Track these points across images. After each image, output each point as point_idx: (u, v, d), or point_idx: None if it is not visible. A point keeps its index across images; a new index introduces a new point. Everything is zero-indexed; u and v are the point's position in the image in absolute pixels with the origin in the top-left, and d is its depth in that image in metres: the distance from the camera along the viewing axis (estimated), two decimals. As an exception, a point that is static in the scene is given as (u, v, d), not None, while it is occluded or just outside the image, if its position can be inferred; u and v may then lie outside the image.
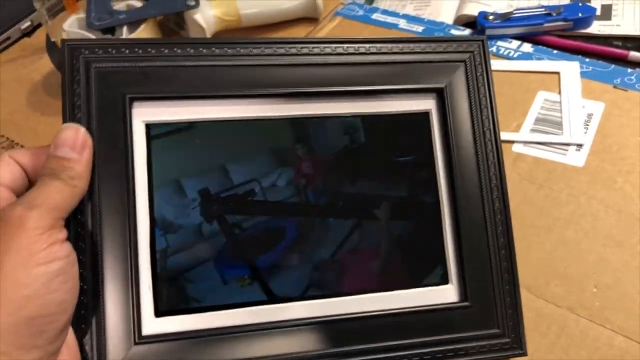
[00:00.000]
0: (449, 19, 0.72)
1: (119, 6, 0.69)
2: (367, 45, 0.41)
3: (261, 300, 0.39)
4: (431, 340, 0.39)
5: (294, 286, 0.39)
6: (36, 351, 0.30)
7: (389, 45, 0.41)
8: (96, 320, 0.35)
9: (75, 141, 0.35)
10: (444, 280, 0.41)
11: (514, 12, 0.68)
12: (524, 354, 0.40)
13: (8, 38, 0.79)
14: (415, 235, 0.41)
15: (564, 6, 0.68)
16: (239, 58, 0.39)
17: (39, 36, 0.80)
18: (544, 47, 0.66)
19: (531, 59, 0.65)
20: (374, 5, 0.76)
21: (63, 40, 0.37)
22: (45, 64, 0.72)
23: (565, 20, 0.67)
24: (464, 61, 0.42)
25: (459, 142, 0.41)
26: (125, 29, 0.68)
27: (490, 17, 0.67)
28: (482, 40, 0.43)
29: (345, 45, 0.41)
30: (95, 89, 0.37)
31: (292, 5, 0.73)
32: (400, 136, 0.42)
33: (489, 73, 0.42)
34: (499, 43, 0.67)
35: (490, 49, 0.65)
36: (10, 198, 0.34)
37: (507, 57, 0.65)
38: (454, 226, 0.41)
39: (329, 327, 0.38)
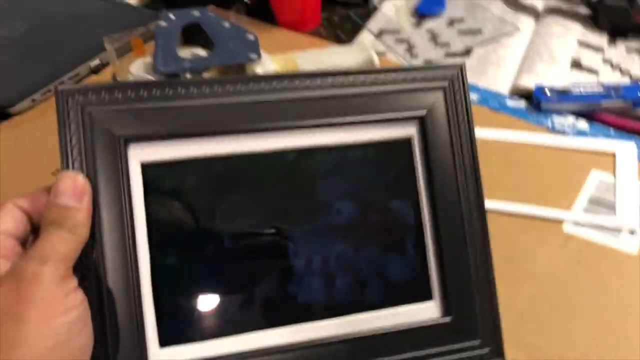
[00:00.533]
0: (504, 89, 0.72)
1: (184, 54, 0.72)
2: (350, 78, 0.42)
3: (258, 326, 0.41)
4: (414, 355, 0.41)
5: (287, 311, 0.41)
6: None
7: (372, 76, 0.43)
8: (104, 356, 0.37)
9: (75, 189, 0.36)
10: (427, 297, 0.43)
11: (572, 88, 0.67)
12: None
13: (77, 74, 0.82)
14: (399, 256, 0.43)
15: (624, 86, 0.67)
16: (227, 95, 0.41)
17: (106, 74, 0.83)
18: (601, 125, 0.66)
19: (587, 136, 0.64)
20: (431, 69, 0.77)
21: (56, 86, 0.39)
22: (109, 103, 0.75)
23: (624, 99, 0.66)
24: (443, 88, 0.43)
25: (440, 166, 0.43)
26: (188, 76, 0.70)
27: (547, 92, 0.67)
28: (461, 67, 0.44)
29: (329, 79, 0.42)
30: (90, 134, 0.38)
31: (349, 63, 0.74)
32: (383, 162, 0.44)
33: (467, 99, 0.44)
34: (555, 117, 0.67)
35: (545, 123, 0.65)
36: (14, 246, 0.35)
37: (562, 132, 0.65)
38: (436, 246, 0.43)
39: (322, 349, 0.40)
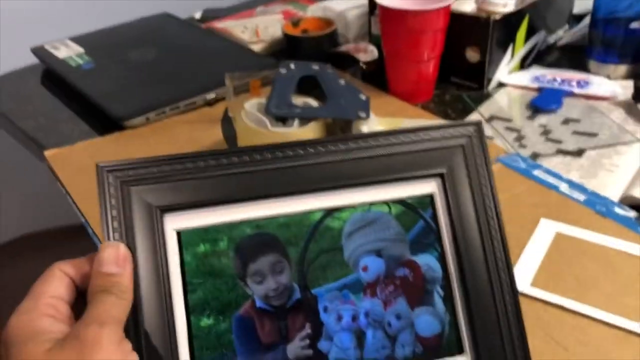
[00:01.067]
0: (614, 196, 0.68)
1: (297, 101, 0.74)
2: (371, 140, 0.45)
3: None
4: None
5: None
6: None
7: (392, 137, 0.45)
8: None
9: (117, 257, 0.38)
10: (459, 350, 0.43)
11: (690, 208, 0.63)
12: None
13: (193, 103, 0.87)
14: (428, 310, 0.44)
15: None
16: (255, 164, 0.43)
17: (219, 108, 0.87)
18: None
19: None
20: (538, 161, 0.74)
21: (97, 163, 0.41)
22: (216, 134, 0.78)
23: None
24: (462, 145, 0.46)
25: (463, 221, 0.45)
26: (297, 121, 0.72)
27: (662, 207, 0.63)
28: (478, 124, 0.46)
29: (352, 142, 0.45)
30: (128, 206, 0.41)
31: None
32: (408, 217, 0.45)
33: (486, 155, 0.46)
34: (666, 235, 0.62)
35: (655, 239, 0.61)
36: (68, 311, 0.37)
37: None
38: (464, 299, 0.44)
39: None
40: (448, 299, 0.44)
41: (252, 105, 0.75)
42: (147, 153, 0.78)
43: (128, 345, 0.36)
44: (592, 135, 0.79)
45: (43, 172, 0.81)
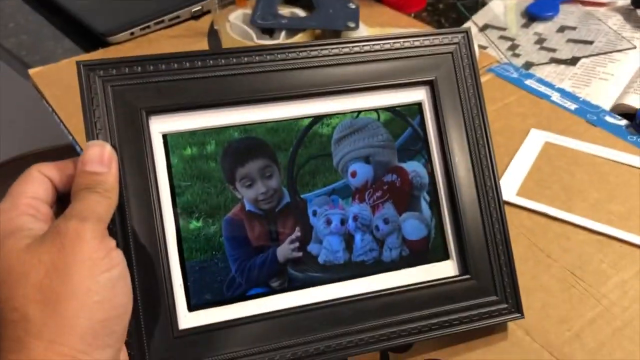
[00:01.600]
0: (606, 104, 0.68)
1: (284, 11, 0.71)
2: (361, 45, 0.44)
3: (281, 288, 0.42)
4: (437, 311, 0.43)
5: (308, 271, 0.43)
6: (109, 350, 0.33)
7: (381, 42, 0.45)
8: (135, 323, 0.38)
9: (103, 156, 0.37)
10: (445, 256, 0.45)
11: (682, 114, 0.62)
12: (522, 317, 0.44)
13: (178, 17, 0.84)
14: (415, 215, 0.45)
15: None
16: (242, 66, 0.42)
17: (205, 21, 0.84)
18: None
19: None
20: (531, 71, 0.73)
21: (77, 62, 0.39)
22: (202, 47, 0.76)
23: None
24: (450, 53, 0.46)
25: (450, 128, 0.45)
26: (284, 33, 0.70)
27: (654, 114, 0.63)
28: (466, 32, 0.46)
29: (341, 46, 0.44)
30: (112, 107, 0.39)
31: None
32: (396, 124, 0.45)
33: (474, 63, 0.46)
34: (656, 143, 0.62)
35: (644, 146, 0.61)
36: (49, 212, 0.36)
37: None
38: (450, 206, 0.45)
39: (346, 307, 0.42)
40: (434, 205, 0.45)
41: (237, 16, 0.73)
42: (132, 69, 0.77)
43: (112, 242, 0.35)
44: (588, 43, 0.78)
45: (28, 91, 0.79)
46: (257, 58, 0.42)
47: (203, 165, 0.42)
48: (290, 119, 0.43)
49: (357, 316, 0.42)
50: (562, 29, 0.81)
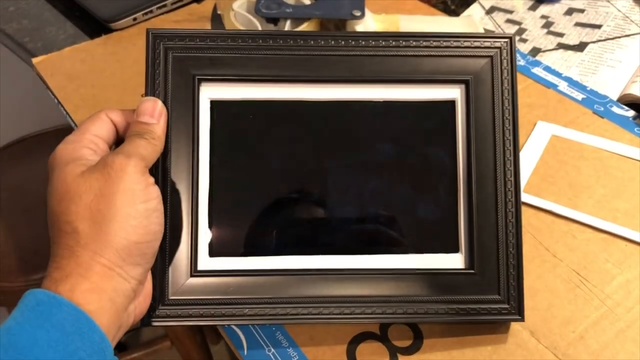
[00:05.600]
0: (613, 94, 0.67)
1: (288, 0, 0.70)
2: (402, 40, 0.47)
3: (292, 248, 0.47)
4: (438, 299, 0.45)
5: (328, 242, 0.47)
6: (139, 268, 0.40)
7: (424, 40, 0.47)
8: (161, 256, 0.43)
9: (154, 110, 0.43)
10: (454, 249, 0.46)
11: (689, 106, 0.62)
12: (521, 320, 0.45)
13: (181, 0, 0.83)
14: (431, 199, 0.47)
15: None
16: (290, 48, 0.46)
17: (207, 5, 0.83)
18: None
19: (694, 161, 0.59)
20: (538, 58, 0.72)
21: (148, 29, 0.46)
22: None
23: None
24: (490, 57, 0.47)
25: (479, 129, 0.46)
26: (289, 22, 0.69)
27: (661, 106, 0.62)
28: (510, 38, 0.47)
29: (384, 40, 0.47)
30: (171, 71, 0.45)
31: (452, 30, 0.71)
32: (427, 116, 0.48)
33: (513, 68, 0.46)
34: (663, 135, 0.62)
35: (651, 140, 0.61)
36: (107, 149, 0.43)
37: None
38: (467, 199, 0.46)
39: (352, 278, 0.45)
40: (452, 195, 0.47)
41: (241, 5, 0.72)
42: (137, 55, 0.76)
43: (151, 178, 0.41)
44: (596, 27, 0.77)
45: (30, 76, 0.79)
46: (302, 42, 0.46)
47: (241, 128, 0.47)
48: (328, 102, 0.47)
49: (364, 289, 0.45)
50: (569, 12, 0.80)
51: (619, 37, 0.74)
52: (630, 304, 0.48)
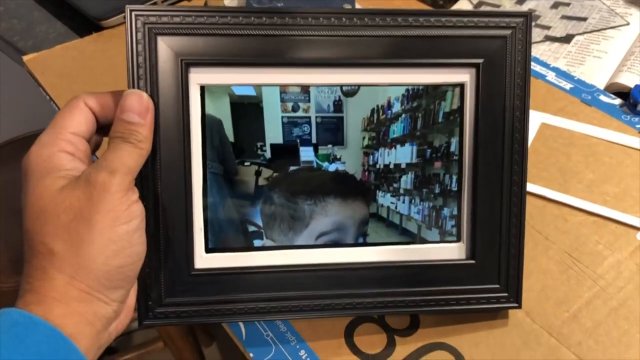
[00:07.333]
0: (600, 83, 0.68)
1: (279, -6, 0.71)
2: (409, 18, 0.42)
3: (291, 245, 0.45)
4: (438, 289, 0.44)
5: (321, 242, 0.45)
6: (121, 290, 0.37)
7: (432, 17, 0.43)
8: (156, 256, 0.41)
9: (140, 106, 0.39)
10: (456, 238, 0.45)
11: (675, 93, 0.63)
12: (519, 307, 0.45)
13: (171, -3, 0.83)
14: (438, 183, 0.45)
15: None
16: (285, 28, 0.42)
17: (199, 2, 0.84)
18: (697, 138, 0.62)
19: (680, 146, 0.61)
20: (526, 50, 0.73)
21: (127, 6, 0.40)
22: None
23: None
24: (505, 37, 0.43)
25: (488, 116, 0.43)
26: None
27: (647, 93, 0.63)
28: (527, 16, 0.43)
29: (389, 17, 0.42)
30: (155, 55, 0.40)
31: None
32: (436, 99, 0.44)
33: (528, 50, 0.43)
34: (649, 122, 0.63)
35: (638, 126, 0.62)
36: (87, 149, 0.39)
37: (654, 138, 0.61)
38: (472, 192, 0.44)
39: (351, 272, 0.44)
40: (456, 184, 0.45)
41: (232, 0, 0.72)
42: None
43: (135, 194, 0.37)
44: (582, 19, 0.78)
45: (22, 76, 0.79)
46: (301, 21, 0.42)
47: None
48: (325, 85, 0.44)
49: (361, 282, 0.44)
50: (556, 5, 0.81)
51: (605, 29, 0.76)
52: (621, 283, 0.49)
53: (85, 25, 0.81)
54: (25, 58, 0.76)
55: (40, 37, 0.82)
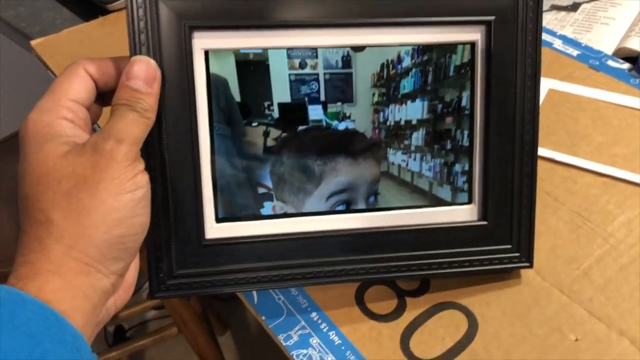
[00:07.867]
0: (608, 49, 0.68)
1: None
2: None
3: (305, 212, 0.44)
4: (450, 252, 0.44)
5: (332, 202, 0.45)
6: (121, 262, 0.35)
7: None
8: (167, 229, 0.41)
9: (147, 74, 0.37)
10: (468, 200, 0.45)
11: (683, 56, 0.63)
12: (530, 267, 0.45)
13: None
14: (449, 139, 0.45)
15: None
16: None
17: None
18: None
19: (690, 108, 0.60)
20: (532, 19, 0.73)
21: None
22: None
23: None
24: None
25: (499, 74, 0.43)
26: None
27: (655, 56, 0.63)
28: None
29: None
30: (156, 19, 0.39)
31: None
32: (446, 55, 0.44)
33: (540, 6, 0.42)
34: (658, 85, 0.63)
35: (646, 89, 0.62)
36: (87, 117, 0.37)
37: (663, 101, 0.61)
38: (483, 154, 0.44)
39: (363, 238, 0.44)
40: (469, 138, 0.44)
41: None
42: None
43: (140, 165, 0.36)
44: (588, -13, 0.77)
45: (30, 64, 0.80)
46: None
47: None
48: (336, 46, 0.43)
49: (372, 247, 0.44)
50: (561, -25, 0.81)
51: (611, -4, 0.75)
52: (632, 240, 0.49)
53: (91, 11, 0.82)
54: (33, 42, 0.77)
55: (47, 23, 0.83)
